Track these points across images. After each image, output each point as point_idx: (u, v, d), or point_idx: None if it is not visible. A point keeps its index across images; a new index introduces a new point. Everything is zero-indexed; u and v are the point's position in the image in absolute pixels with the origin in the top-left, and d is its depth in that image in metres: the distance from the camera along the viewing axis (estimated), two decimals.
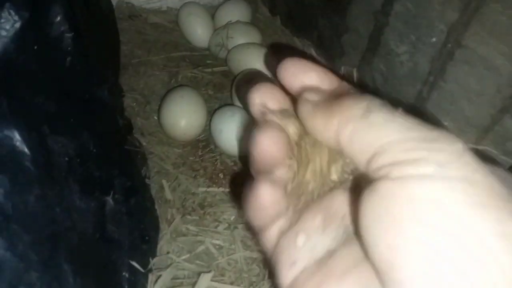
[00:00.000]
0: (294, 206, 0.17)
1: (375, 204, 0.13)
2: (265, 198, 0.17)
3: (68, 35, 0.36)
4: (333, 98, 0.16)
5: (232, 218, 0.44)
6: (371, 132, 0.14)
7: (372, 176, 0.14)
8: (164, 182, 0.46)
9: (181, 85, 0.54)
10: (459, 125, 0.47)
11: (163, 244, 0.41)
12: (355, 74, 0.59)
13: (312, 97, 0.17)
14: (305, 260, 0.16)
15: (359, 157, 0.14)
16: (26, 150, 0.27)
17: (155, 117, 0.52)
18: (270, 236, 0.18)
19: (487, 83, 0.43)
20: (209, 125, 0.51)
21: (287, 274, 0.16)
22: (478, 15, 0.42)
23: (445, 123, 0.49)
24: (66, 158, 0.34)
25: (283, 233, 0.17)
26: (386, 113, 0.14)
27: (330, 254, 0.15)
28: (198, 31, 0.62)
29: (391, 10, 0.51)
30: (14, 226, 0.23)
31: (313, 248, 0.16)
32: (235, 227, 0.43)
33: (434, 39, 0.46)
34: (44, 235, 0.26)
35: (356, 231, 0.14)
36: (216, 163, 0.49)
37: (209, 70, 0.59)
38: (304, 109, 0.17)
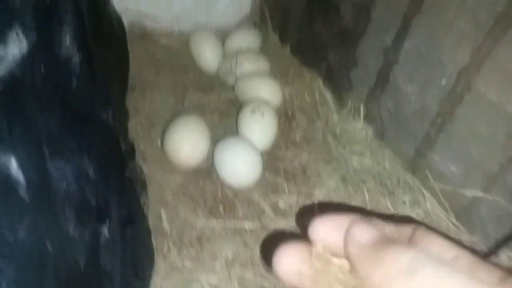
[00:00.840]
0: None
1: None
2: None
3: (77, 57, 0.35)
4: (382, 240, 0.16)
5: (230, 255, 0.42)
6: None
7: None
8: (162, 212, 0.44)
9: (186, 111, 0.53)
10: (467, 169, 0.46)
11: (157, 280, 0.39)
12: (362, 110, 0.58)
13: (361, 236, 0.17)
14: None
15: None
16: (21, 178, 0.26)
17: (159, 142, 0.51)
18: None
19: (497, 129, 0.42)
20: (212, 154, 0.49)
21: None
22: (490, 59, 0.41)
23: (452, 167, 0.47)
24: (64, 183, 0.33)
25: None
26: (431, 268, 0.14)
27: None
28: (208, 56, 0.62)
29: (401, 47, 0.50)
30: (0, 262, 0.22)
31: None
32: (232, 266, 0.41)
33: (444, 81, 0.46)
34: (31, 272, 0.24)
35: None
36: (217, 194, 0.48)
37: (216, 96, 0.58)
38: (351, 249, 0.17)
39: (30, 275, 0.24)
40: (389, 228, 0.18)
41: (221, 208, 0.47)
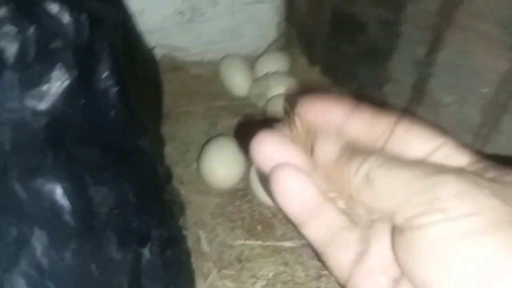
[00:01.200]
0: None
1: (401, 250, 0.16)
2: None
3: (114, 89, 0.37)
4: (338, 167, 0.18)
5: (271, 274, 0.42)
6: (378, 201, 0.16)
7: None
8: (201, 233, 0.45)
9: (220, 134, 0.54)
10: None
11: None
12: None
13: (327, 150, 0.19)
14: None
15: (385, 219, 0.17)
16: (66, 203, 0.27)
17: (194, 166, 0.52)
18: (341, 262, 0.19)
19: None
20: (248, 174, 0.50)
21: None
22: None
23: None
24: (106, 209, 0.34)
25: (356, 264, 0.18)
26: (384, 174, 0.16)
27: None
28: (238, 80, 0.64)
29: (435, 60, 0.50)
30: (48, 284, 0.23)
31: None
32: (274, 285, 0.41)
33: (485, 90, 0.44)
34: None
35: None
36: (254, 214, 0.48)
37: (247, 119, 0.59)
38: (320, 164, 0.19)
39: None
40: (366, 119, 0.19)
41: (259, 227, 0.47)
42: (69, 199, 0.28)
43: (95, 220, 0.31)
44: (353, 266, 0.18)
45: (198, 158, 0.51)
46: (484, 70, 0.44)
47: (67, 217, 0.27)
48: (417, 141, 0.18)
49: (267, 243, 0.45)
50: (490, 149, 0.46)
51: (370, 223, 0.18)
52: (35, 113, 0.27)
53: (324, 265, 0.19)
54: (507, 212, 0.14)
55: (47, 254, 0.24)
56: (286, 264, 0.43)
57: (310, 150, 0.19)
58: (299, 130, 0.19)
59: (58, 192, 0.27)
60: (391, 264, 0.17)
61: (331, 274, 0.21)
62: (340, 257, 0.18)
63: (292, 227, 0.47)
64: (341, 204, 0.18)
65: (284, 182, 0.18)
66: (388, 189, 0.16)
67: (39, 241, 0.23)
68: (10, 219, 0.22)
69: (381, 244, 0.18)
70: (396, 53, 0.56)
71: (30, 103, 0.27)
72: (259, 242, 0.45)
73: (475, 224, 0.14)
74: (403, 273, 0.16)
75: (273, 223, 0.47)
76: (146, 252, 0.36)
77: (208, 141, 0.52)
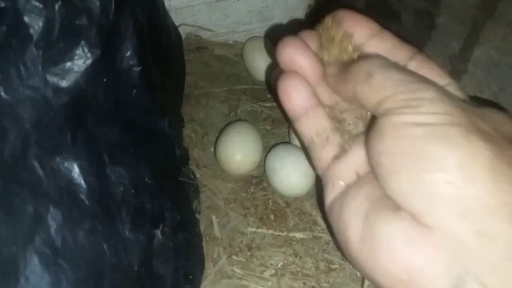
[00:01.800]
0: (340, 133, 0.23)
1: (372, 134, 0.19)
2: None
3: (136, 69, 0.37)
4: (348, 66, 0.22)
5: (280, 264, 0.42)
6: (371, 93, 0.20)
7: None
8: (213, 218, 0.45)
9: (239, 119, 0.54)
10: None
11: (207, 284, 0.39)
12: None
13: (332, 71, 0.23)
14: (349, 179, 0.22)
15: (369, 110, 0.21)
16: (82, 182, 0.27)
17: (212, 149, 0.52)
18: (323, 156, 0.24)
19: None
20: (264, 162, 0.49)
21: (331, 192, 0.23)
22: None
23: None
24: (122, 189, 0.35)
25: (336, 159, 0.23)
26: (383, 73, 0.20)
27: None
28: (261, 65, 0.62)
29: (470, 55, 0.47)
30: (61, 262, 0.23)
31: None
32: (282, 275, 0.41)
33: None
34: (89, 273, 0.25)
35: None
36: (268, 202, 0.48)
37: (269, 104, 0.58)
38: (329, 82, 0.23)
39: (88, 275, 0.26)
40: (389, 44, 0.23)
41: (272, 216, 0.47)
42: (85, 178, 0.28)
43: (110, 200, 0.32)
44: (332, 160, 0.23)
45: (215, 142, 0.51)
46: None
47: (82, 197, 0.27)
48: (427, 74, 0.21)
49: (279, 233, 0.45)
50: None
51: (354, 128, 0.23)
52: (57, 91, 0.27)
53: (309, 160, 0.25)
54: (461, 118, 0.17)
55: (61, 232, 0.24)
56: (296, 255, 0.43)
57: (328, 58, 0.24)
58: (327, 37, 0.24)
59: (75, 171, 0.27)
60: (362, 166, 0.22)
61: (313, 169, 0.26)
62: (322, 153, 0.24)
63: (305, 219, 0.47)
64: (331, 111, 0.23)
65: (289, 81, 0.23)
66: (382, 84, 0.19)
67: (53, 220, 0.24)
68: (27, 196, 0.23)
69: (356, 153, 0.22)
70: (430, 45, 0.53)
71: (52, 80, 0.27)
72: (271, 231, 0.45)
73: (433, 120, 0.17)
74: (370, 161, 0.20)
75: (286, 213, 0.47)
76: (158, 233, 0.37)
77: (226, 125, 0.52)
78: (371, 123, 0.21)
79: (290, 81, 0.24)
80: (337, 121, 0.24)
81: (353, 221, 0.20)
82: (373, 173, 0.20)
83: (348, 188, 0.22)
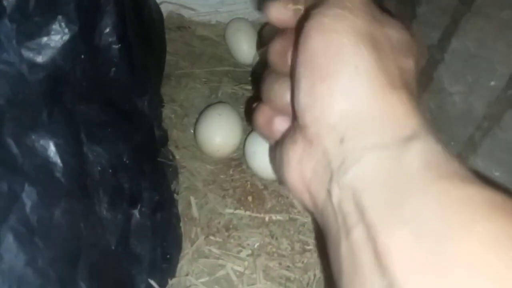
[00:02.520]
0: None
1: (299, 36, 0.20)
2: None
3: (116, 46, 0.36)
4: None
5: (256, 245, 0.43)
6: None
7: None
8: (192, 199, 0.45)
9: (220, 102, 0.54)
10: None
11: (184, 264, 0.40)
12: None
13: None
14: None
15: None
16: (59, 161, 0.27)
17: (191, 131, 0.52)
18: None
19: None
20: (244, 145, 0.50)
21: None
22: None
23: (497, 173, 0.45)
24: (99, 168, 0.34)
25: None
26: None
27: None
28: (244, 47, 0.62)
29: (448, 46, 0.48)
30: (37, 240, 0.23)
31: None
32: (258, 255, 0.42)
33: (493, 83, 0.43)
34: (65, 251, 0.25)
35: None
36: (246, 184, 0.48)
37: (250, 87, 0.58)
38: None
39: (64, 253, 0.26)
40: None
41: (250, 198, 0.47)
42: (62, 156, 0.28)
43: (87, 179, 0.31)
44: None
45: (195, 124, 0.51)
46: (496, 62, 0.43)
47: (59, 175, 0.27)
48: None
49: (256, 214, 0.46)
50: (488, 144, 0.46)
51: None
52: (33, 66, 0.26)
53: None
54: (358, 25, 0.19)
55: (36, 211, 0.24)
56: (272, 236, 0.44)
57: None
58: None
59: (51, 149, 0.27)
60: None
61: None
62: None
63: (282, 201, 0.48)
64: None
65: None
66: None
67: (29, 198, 0.23)
68: (1, 173, 0.22)
69: None
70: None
71: (28, 55, 0.26)
72: (248, 213, 0.46)
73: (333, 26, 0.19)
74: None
75: (264, 195, 0.48)
76: (136, 213, 0.37)
77: (207, 107, 0.51)
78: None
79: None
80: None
81: (277, 154, 0.23)
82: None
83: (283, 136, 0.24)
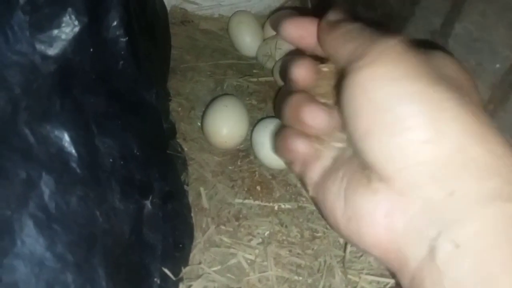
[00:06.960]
0: None
1: (342, 93, 0.20)
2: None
3: (123, 39, 0.37)
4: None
5: (267, 233, 0.43)
6: (343, 47, 0.22)
7: None
8: (201, 189, 0.46)
9: (226, 94, 0.54)
10: None
11: (196, 253, 0.40)
12: None
13: (332, 17, 0.25)
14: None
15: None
16: (73, 151, 0.28)
17: (198, 123, 0.52)
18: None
19: None
20: (251, 136, 0.50)
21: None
22: None
23: None
24: (111, 159, 0.35)
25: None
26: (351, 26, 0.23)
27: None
28: (247, 39, 0.62)
29: (451, 31, 0.48)
30: (55, 226, 0.24)
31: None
32: (269, 243, 0.42)
33: (497, 65, 0.43)
34: (82, 237, 0.26)
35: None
36: (254, 174, 0.49)
37: (255, 79, 0.59)
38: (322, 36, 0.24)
39: (81, 238, 0.26)
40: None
41: (258, 188, 0.48)
42: (75, 147, 0.28)
43: (99, 170, 0.32)
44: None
45: (202, 116, 0.51)
46: (499, 45, 0.43)
47: (73, 165, 0.28)
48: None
49: (265, 203, 0.46)
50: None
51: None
52: (45, 58, 0.27)
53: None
54: (422, 68, 0.19)
55: (54, 198, 0.24)
56: (282, 224, 0.45)
57: None
58: None
59: (65, 139, 0.27)
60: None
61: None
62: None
63: (290, 190, 0.48)
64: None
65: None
66: (348, 40, 0.21)
67: (46, 185, 0.24)
68: (19, 161, 0.23)
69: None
70: (413, 21, 0.54)
71: (40, 47, 0.27)
72: (257, 202, 0.46)
73: (397, 74, 0.18)
74: (345, 125, 0.20)
75: (272, 185, 0.48)
76: (147, 203, 0.37)
77: (213, 99, 0.52)
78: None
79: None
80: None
81: (336, 204, 0.20)
82: (348, 142, 0.21)
83: (326, 173, 0.22)
